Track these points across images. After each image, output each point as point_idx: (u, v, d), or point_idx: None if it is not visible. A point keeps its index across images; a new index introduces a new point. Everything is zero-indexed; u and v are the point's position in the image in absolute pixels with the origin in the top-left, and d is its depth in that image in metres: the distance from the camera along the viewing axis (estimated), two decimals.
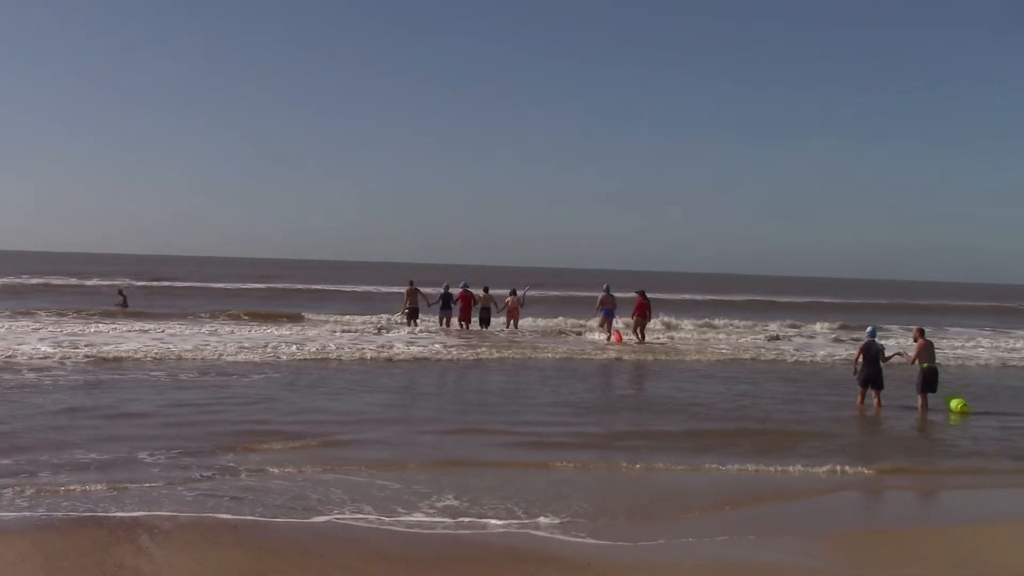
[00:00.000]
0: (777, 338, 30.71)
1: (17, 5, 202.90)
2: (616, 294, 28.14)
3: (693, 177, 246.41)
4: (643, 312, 26.70)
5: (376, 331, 27.10)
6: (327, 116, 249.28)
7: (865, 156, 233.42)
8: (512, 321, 28.74)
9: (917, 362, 16.40)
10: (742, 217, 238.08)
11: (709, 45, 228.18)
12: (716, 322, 34.13)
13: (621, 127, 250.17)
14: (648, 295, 27.32)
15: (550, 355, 22.59)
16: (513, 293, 29.15)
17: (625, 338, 26.77)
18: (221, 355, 19.91)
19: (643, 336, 26.88)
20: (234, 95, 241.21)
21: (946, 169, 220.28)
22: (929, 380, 16.17)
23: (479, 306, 28.44)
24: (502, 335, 27.35)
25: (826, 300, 63.65)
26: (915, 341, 16.80)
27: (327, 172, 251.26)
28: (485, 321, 28.37)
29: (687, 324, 32.95)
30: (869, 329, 17.62)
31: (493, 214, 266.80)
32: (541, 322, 31.63)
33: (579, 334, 29.06)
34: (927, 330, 17.55)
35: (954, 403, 15.78)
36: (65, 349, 19.53)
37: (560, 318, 32.57)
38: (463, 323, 28.23)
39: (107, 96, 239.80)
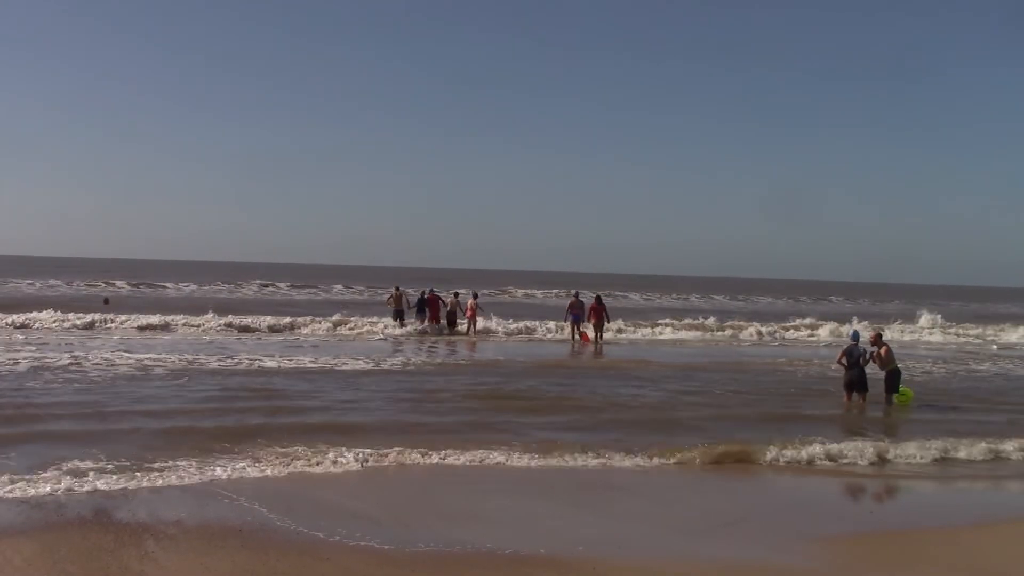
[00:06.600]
0: None
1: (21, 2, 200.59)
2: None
3: (694, 177, 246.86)
4: (599, 316, 28.65)
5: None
6: (324, 117, 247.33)
7: (865, 155, 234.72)
8: (472, 324, 30.48)
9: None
10: (741, 219, 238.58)
11: (708, 41, 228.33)
12: None
13: (617, 127, 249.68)
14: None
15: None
16: (475, 297, 31.45)
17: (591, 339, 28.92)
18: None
19: (600, 337, 28.74)
20: (232, 95, 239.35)
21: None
22: (894, 381, 16.80)
23: (447, 309, 30.73)
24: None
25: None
26: (873, 344, 17.13)
27: (325, 174, 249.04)
28: (452, 323, 30.55)
29: None
30: (852, 332, 17.89)
31: (488, 218, 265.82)
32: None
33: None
34: None
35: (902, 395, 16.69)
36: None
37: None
38: (432, 323, 30.10)
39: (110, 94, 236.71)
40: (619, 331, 32.21)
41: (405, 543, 7.55)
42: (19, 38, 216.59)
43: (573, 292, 33.08)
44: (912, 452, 12.12)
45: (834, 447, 11.94)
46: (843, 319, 39.73)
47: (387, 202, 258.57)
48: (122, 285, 57.79)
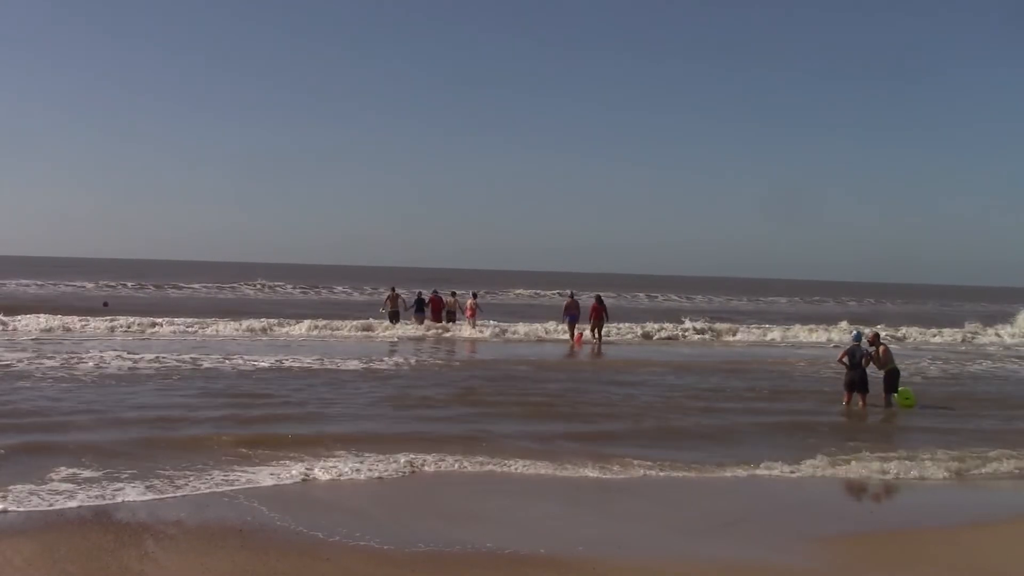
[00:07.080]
0: None
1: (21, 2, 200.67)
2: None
3: (694, 177, 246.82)
4: (599, 316, 28.99)
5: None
6: (324, 117, 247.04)
7: (865, 155, 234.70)
8: (471, 323, 31.09)
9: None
10: (741, 219, 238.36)
11: (708, 41, 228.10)
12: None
13: (617, 127, 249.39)
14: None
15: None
16: (474, 296, 32.49)
17: (585, 340, 28.97)
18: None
19: (599, 337, 29.04)
20: (232, 95, 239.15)
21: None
22: (893, 381, 16.83)
23: (446, 309, 31.95)
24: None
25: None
26: (872, 345, 17.12)
27: (325, 174, 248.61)
28: (451, 321, 31.53)
29: None
30: (854, 333, 17.88)
31: (488, 218, 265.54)
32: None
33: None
34: None
35: (903, 397, 16.68)
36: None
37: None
38: (433, 322, 31.15)
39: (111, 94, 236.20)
40: (645, 333, 32.55)
41: (405, 543, 7.54)
42: (19, 38, 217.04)
43: (568, 293, 33.65)
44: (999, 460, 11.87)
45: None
46: (839, 319, 39.83)
47: (387, 202, 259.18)
48: (123, 285, 57.96)
